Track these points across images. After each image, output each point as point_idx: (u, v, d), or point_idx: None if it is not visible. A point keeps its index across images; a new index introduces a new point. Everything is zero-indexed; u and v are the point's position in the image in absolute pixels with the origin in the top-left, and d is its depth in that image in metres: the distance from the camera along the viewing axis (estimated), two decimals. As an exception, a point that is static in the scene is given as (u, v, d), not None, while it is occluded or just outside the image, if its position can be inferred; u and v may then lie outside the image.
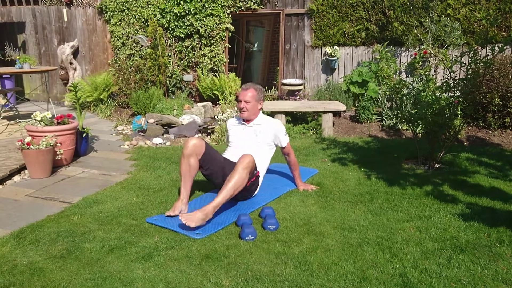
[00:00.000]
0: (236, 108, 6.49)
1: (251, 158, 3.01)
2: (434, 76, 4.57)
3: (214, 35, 7.40)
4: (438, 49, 6.13)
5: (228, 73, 7.56)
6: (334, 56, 6.83)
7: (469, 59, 3.83)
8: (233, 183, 2.91)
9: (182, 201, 3.12)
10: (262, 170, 3.44)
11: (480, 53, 3.87)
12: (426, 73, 4.27)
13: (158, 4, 7.51)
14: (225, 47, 7.51)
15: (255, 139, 3.45)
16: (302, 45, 7.18)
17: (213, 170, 3.24)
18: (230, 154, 3.46)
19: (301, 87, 7.01)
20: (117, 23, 7.93)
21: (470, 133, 5.54)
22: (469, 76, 3.87)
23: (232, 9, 7.30)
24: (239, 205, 3.26)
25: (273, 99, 7.15)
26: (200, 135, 5.78)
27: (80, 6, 8.23)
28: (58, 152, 4.16)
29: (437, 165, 4.22)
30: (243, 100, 3.41)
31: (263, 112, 3.83)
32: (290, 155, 3.59)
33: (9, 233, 2.81)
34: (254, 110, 3.45)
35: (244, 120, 3.53)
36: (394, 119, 5.86)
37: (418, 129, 4.38)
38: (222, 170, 3.18)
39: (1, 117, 6.52)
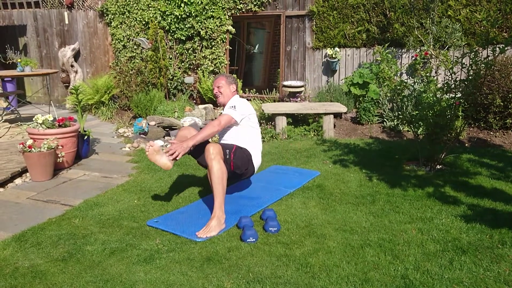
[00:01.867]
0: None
1: (209, 146, 3.00)
2: (435, 77, 4.57)
3: (215, 37, 7.41)
4: (439, 50, 6.13)
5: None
6: (335, 58, 6.83)
7: (470, 60, 3.83)
8: (215, 178, 2.93)
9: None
10: (249, 145, 3.38)
11: (481, 54, 3.86)
12: (427, 74, 4.27)
13: (159, 7, 7.53)
14: (226, 49, 7.52)
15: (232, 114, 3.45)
16: (303, 47, 7.19)
17: (199, 151, 3.31)
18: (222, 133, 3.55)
19: (302, 89, 7.01)
20: (118, 26, 7.95)
21: (472, 134, 5.53)
22: (470, 77, 3.86)
23: (232, 11, 7.31)
24: (240, 207, 3.27)
25: (274, 101, 7.16)
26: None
27: (81, 9, 8.25)
28: (59, 155, 4.16)
29: (438, 167, 4.21)
30: (216, 87, 3.55)
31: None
32: (211, 122, 3.36)
33: (11, 236, 2.82)
34: (227, 93, 3.52)
35: (220, 106, 3.66)
36: (395, 120, 5.86)
37: (419, 131, 4.38)
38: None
39: (3, 120, 6.54)
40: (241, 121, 3.37)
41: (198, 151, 3.32)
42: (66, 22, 8.36)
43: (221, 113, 3.45)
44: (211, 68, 7.52)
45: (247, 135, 3.43)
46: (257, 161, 3.45)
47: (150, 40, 7.15)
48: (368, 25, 6.70)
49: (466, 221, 2.94)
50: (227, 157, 3.16)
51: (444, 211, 3.14)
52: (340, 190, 3.63)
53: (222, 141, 3.46)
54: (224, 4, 7.26)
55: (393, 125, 5.86)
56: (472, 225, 2.86)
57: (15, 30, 8.78)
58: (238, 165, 3.25)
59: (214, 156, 2.95)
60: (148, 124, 5.95)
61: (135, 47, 7.89)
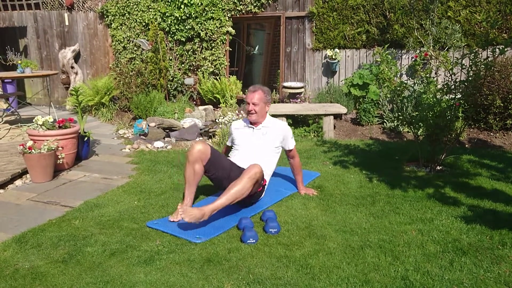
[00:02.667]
0: (237, 111, 6.49)
1: (259, 169, 2.94)
2: (435, 78, 4.57)
3: (215, 38, 7.42)
4: (438, 51, 6.13)
5: (229, 76, 7.57)
6: (335, 59, 6.84)
7: (470, 61, 3.83)
8: (235, 191, 2.88)
9: (186, 205, 3.11)
10: (268, 174, 3.41)
11: (480, 55, 3.86)
12: (427, 75, 4.27)
13: (159, 8, 7.54)
14: (226, 50, 7.53)
15: (263, 142, 3.40)
16: (303, 48, 7.19)
17: (219, 175, 3.19)
18: (238, 158, 3.39)
19: (302, 90, 7.02)
20: (118, 27, 7.96)
21: (472, 135, 5.53)
22: (470, 78, 3.86)
23: (232, 13, 7.32)
24: (240, 208, 3.26)
25: (274, 102, 7.16)
26: (201, 138, 5.78)
27: (81, 10, 8.26)
28: (59, 156, 4.16)
29: (438, 168, 4.21)
30: (251, 103, 3.35)
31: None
32: (295, 158, 3.56)
33: (11, 237, 2.82)
34: (262, 112, 3.40)
35: (251, 123, 3.47)
36: (395, 121, 5.86)
37: (419, 132, 4.38)
38: (228, 176, 3.13)
39: (3, 122, 6.54)
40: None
41: (221, 176, 3.19)
42: (66, 23, 8.37)
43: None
44: (211, 69, 7.52)
45: (274, 161, 3.47)
46: (263, 194, 3.41)
47: (150, 42, 7.16)
48: (368, 26, 6.70)
49: (466, 222, 2.94)
50: (257, 186, 3.07)
51: (444, 212, 3.14)
52: (340, 191, 3.63)
53: (246, 154, 3.36)
54: (224, 6, 7.27)
55: (393, 126, 5.87)
56: (472, 226, 2.86)
57: (15, 32, 8.79)
58: (252, 199, 3.24)
59: (253, 177, 2.91)
60: (148, 125, 5.95)
61: (135, 48, 7.90)
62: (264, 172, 3.29)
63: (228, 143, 3.74)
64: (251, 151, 3.36)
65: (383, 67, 4.24)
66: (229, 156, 3.50)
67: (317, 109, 5.89)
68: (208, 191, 3.65)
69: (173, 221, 2.99)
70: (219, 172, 3.18)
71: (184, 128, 6.00)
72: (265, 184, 3.31)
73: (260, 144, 3.41)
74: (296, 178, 3.62)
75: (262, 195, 3.40)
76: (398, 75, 4.96)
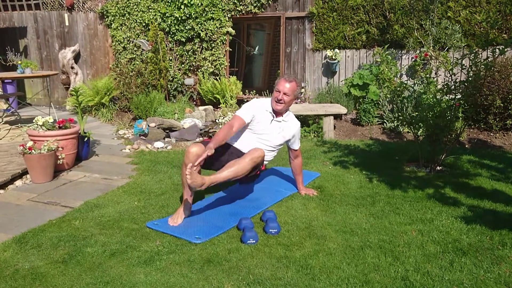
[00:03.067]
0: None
1: (261, 154, 2.98)
2: (435, 79, 4.57)
3: (215, 38, 7.42)
4: (438, 51, 6.13)
5: (229, 77, 7.57)
6: (334, 59, 6.84)
7: (470, 62, 3.83)
8: (235, 169, 2.91)
9: (185, 207, 3.10)
10: (265, 163, 3.43)
11: (480, 55, 3.86)
12: (427, 75, 4.28)
13: (159, 9, 7.54)
14: (226, 50, 7.53)
15: (278, 136, 3.31)
16: (303, 48, 7.20)
17: (215, 167, 3.15)
18: (246, 141, 3.26)
19: (302, 90, 7.02)
20: (118, 28, 7.97)
21: (472, 135, 5.53)
22: (470, 79, 3.86)
23: (232, 13, 7.32)
24: (241, 209, 3.26)
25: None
26: (201, 138, 5.78)
27: (81, 10, 8.27)
28: (59, 157, 4.16)
29: (438, 168, 4.21)
30: (283, 92, 3.18)
31: None
32: (298, 158, 3.57)
33: (11, 238, 2.82)
34: (290, 104, 3.31)
35: (274, 112, 3.29)
36: (395, 121, 5.86)
37: (419, 132, 4.38)
38: (227, 161, 3.07)
39: (3, 122, 6.54)
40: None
41: (217, 165, 3.15)
42: (66, 24, 8.37)
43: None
44: (211, 70, 7.52)
45: (276, 155, 3.50)
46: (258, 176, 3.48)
47: (150, 42, 7.16)
48: (368, 27, 6.71)
49: (466, 222, 2.94)
50: (254, 170, 3.08)
51: (444, 212, 3.14)
52: (340, 191, 3.63)
53: (257, 140, 3.30)
54: (224, 6, 7.27)
55: (393, 126, 5.87)
56: (472, 227, 2.86)
57: (15, 32, 8.79)
58: (248, 180, 3.28)
59: (255, 160, 2.95)
60: (148, 125, 5.95)
61: (135, 48, 7.90)
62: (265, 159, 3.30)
63: (247, 119, 3.22)
64: (262, 140, 3.26)
65: (383, 68, 4.24)
66: (232, 138, 3.28)
67: (317, 109, 5.89)
68: (206, 191, 3.65)
69: (173, 225, 2.97)
70: (215, 166, 3.17)
71: (184, 128, 6.00)
72: (263, 170, 3.36)
73: (274, 137, 3.30)
74: (296, 178, 3.63)
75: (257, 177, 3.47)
76: (398, 76, 4.98)
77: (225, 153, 3.19)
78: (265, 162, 3.32)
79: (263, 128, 3.28)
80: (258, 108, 3.29)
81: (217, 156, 3.05)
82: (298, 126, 3.46)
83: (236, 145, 3.29)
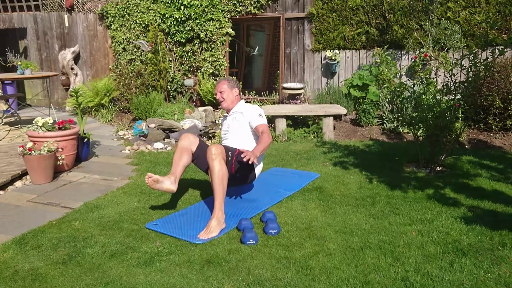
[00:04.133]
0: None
1: (211, 147, 3.01)
2: (435, 79, 4.57)
3: (215, 39, 7.43)
4: (438, 52, 6.14)
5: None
6: (334, 60, 6.84)
7: (470, 62, 3.83)
8: (216, 178, 2.93)
9: (169, 178, 3.14)
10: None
11: (480, 55, 3.87)
12: (427, 76, 4.28)
13: (158, 10, 7.55)
14: (225, 51, 7.53)
15: (235, 126, 3.51)
16: (303, 49, 7.20)
17: (204, 161, 3.25)
18: (224, 144, 3.54)
19: (302, 91, 7.02)
20: (118, 29, 7.97)
21: (472, 136, 5.53)
22: (469, 79, 3.87)
23: (232, 14, 7.33)
24: (240, 210, 3.26)
25: (274, 103, 7.16)
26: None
27: (81, 12, 8.27)
28: (59, 158, 4.16)
29: (438, 168, 4.21)
30: (218, 92, 3.55)
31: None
32: (263, 133, 3.27)
33: (11, 239, 2.82)
34: (230, 97, 3.54)
35: (227, 112, 3.64)
36: (395, 122, 5.86)
37: (419, 132, 4.38)
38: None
39: (3, 123, 6.54)
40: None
41: (200, 156, 3.32)
42: (66, 25, 8.38)
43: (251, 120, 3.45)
44: (211, 71, 7.53)
45: (252, 141, 3.47)
46: (258, 168, 3.48)
47: (150, 43, 7.16)
48: (367, 27, 6.71)
49: (466, 223, 2.94)
50: (229, 159, 3.17)
51: (444, 213, 3.14)
52: (340, 192, 3.63)
53: (225, 144, 3.48)
54: (223, 7, 7.28)
55: (393, 127, 5.87)
56: (472, 227, 2.86)
57: (15, 33, 8.79)
58: (239, 169, 3.26)
59: (215, 157, 2.95)
60: (148, 126, 5.95)
61: (135, 49, 7.90)
62: (249, 148, 3.31)
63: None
64: (229, 136, 3.52)
65: (382, 68, 4.25)
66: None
67: (317, 110, 5.89)
68: (206, 191, 3.65)
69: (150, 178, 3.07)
70: (204, 158, 3.23)
71: (184, 129, 6.00)
72: (238, 153, 3.26)
73: (233, 128, 3.51)
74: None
75: (258, 171, 3.47)
76: (398, 76, 4.98)
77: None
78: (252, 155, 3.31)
79: (225, 127, 3.64)
80: (221, 120, 3.77)
81: (203, 156, 3.26)
82: (249, 107, 3.54)
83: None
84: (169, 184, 3.10)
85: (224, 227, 2.88)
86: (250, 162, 2.95)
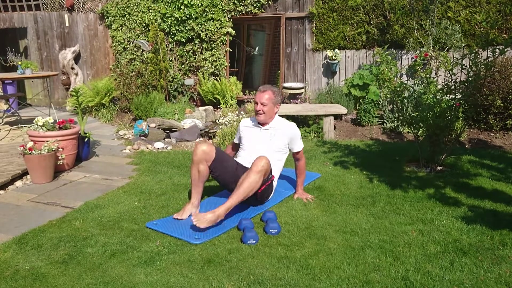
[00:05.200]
0: (237, 112, 6.50)
1: (266, 161, 2.93)
2: (435, 79, 4.56)
3: (215, 39, 7.42)
4: (438, 51, 6.13)
5: (229, 77, 7.57)
6: (335, 60, 6.84)
7: (470, 62, 3.83)
8: (245, 187, 2.89)
9: (193, 204, 3.12)
10: (276, 174, 3.39)
11: (481, 55, 3.86)
12: (427, 75, 4.27)
13: (159, 9, 7.55)
14: (226, 51, 7.53)
15: (270, 143, 3.36)
16: (303, 48, 7.20)
17: (225, 176, 3.19)
18: (243, 158, 3.36)
19: (302, 90, 7.02)
20: (118, 28, 7.97)
21: (472, 135, 5.53)
22: (470, 79, 3.86)
23: (232, 13, 7.33)
24: (241, 209, 3.26)
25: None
26: (201, 139, 5.78)
27: (81, 11, 8.27)
28: (60, 157, 4.16)
29: (439, 168, 4.21)
30: (260, 103, 3.30)
31: None
32: (301, 160, 3.49)
33: (11, 238, 2.82)
34: (271, 113, 3.35)
35: (259, 123, 3.43)
36: (395, 122, 5.86)
37: (419, 132, 4.38)
38: (234, 176, 3.11)
39: (3, 123, 6.54)
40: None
41: (218, 169, 3.18)
42: (67, 24, 8.38)
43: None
44: (211, 70, 7.53)
45: (281, 163, 3.43)
46: (272, 192, 3.41)
47: (150, 42, 7.16)
48: (368, 27, 6.71)
49: (466, 222, 2.94)
50: (265, 178, 3.04)
51: (444, 212, 3.14)
52: (340, 191, 3.63)
53: (252, 154, 3.32)
54: (224, 6, 7.28)
55: (393, 127, 5.87)
56: (472, 227, 2.86)
57: (15, 33, 8.79)
58: (263, 194, 3.20)
59: (261, 169, 2.90)
60: (149, 126, 5.95)
61: (136, 49, 7.90)
62: (275, 174, 3.29)
63: (236, 140, 3.66)
64: (257, 152, 3.27)
65: (383, 68, 4.24)
66: (235, 156, 3.48)
67: (317, 109, 5.89)
68: (206, 192, 3.65)
69: (177, 219, 3.03)
70: (225, 173, 3.18)
71: (184, 129, 6.00)
72: (274, 180, 3.27)
73: (266, 145, 3.35)
74: (297, 180, 3.59)
75: (272, 195, 3.38)
76: (398, 76, 4.97)
77: (231, 172, 3.20)
78: (274, 174, 3.33)
79: (253, 141, 3.40)
80: (244, 126, 3.53)
81: (224, 177, 3.19)
82: (292, 128, 3.42)
83: (241, 160, 3.36)
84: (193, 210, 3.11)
85: (214, 226, 2.83)
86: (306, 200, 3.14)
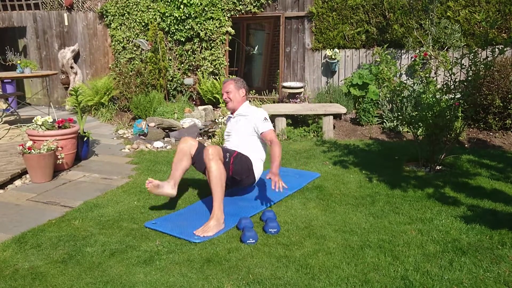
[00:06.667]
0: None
1: (211, 149, 3.01)
2: (435, 78, 4.57)
3: (215, 38, 7.42)
4: (438, 51, 6.13)
5: (229, 77, 7.57)
6: (334, 59, 6.84)
7: (469, 61, 3.83)
8: (212, 177, 2.94)
9: (169, 182, 3.18)
10: (257, 158, 3.44)
11: (480, 55, 3.87)
12: (427, 75, 4.27)
13: (158, 8, 7.54)
14: (225, 50, 7.53)
15: (237, 128, 3.51)
16: (303, 48, 7.20)
17: (201, 163, 3.26)
18: (226, 146, 3.55)
19: (302, 90, 7.02)
20: (118, 27, 7.96)
21: (471, 135, 5.53)
22: (469, 78, 3.87)
23: (232, 13, 7.32)
24: (240, 208, 3.26)
25: (274, 102, 7.16)
26: (201, 138, 5.78)
27: (80, 10, 8.26)
28: (59, 156, 4.16)
29: (438, 167, 4.21)
30: (225, 92, 3.54)
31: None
32: (272, 144, 3.25)
33: (11, 238, 2.82)
34: (237, 98, 3.53)
35: (231, 113, 3.64)
36: (394, 121, 5.86)
37: (419, 132, 4.38)
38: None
39: (3, 122, 6.54)
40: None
41: (199, 159, 3.30)
42: (66, 23, 8.37)
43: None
44: (211, 70, 7.52)
45: (253, 145, 3.47)
46: (258, 171, 3.45)
47: (149, 42, 7.15)
48: (367, 26, 6.71)
49: (466, 222, 2.94)
50: (227, 160, 3.17)
51: (444, 212, 3.14)
52: (340, 191, 3.63)
53: (227, 146, 3.49)
54: (223, 6, 7.27)
55: (392, 126, 5.87)
56: (472, 226, 2.87)
57: (14, 32, 8.78)
58: (237, 171, 3.26)
59: (212, 157, 2.96)
60: (148, 125, 5.95)
61: (135, 48, 7.90)
62: (250, 155, 3.36)
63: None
64: (231, 139, 3.52)
65: (382, 67, 4.25)
66: None
67: (317, 109, 5.89)
68: (206, 191, 3.65)
69: (151, 181, 3.12)
70: (201, 161, 3.23)
71: (183, 128, 6.00)
72: (236, 155, 3.28)
73: (235, 130, 3.52)
74: (271, 161, 3.27)
75: (258, 173, 3.44)
76: (398, 75, 4.96)
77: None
78: (257, 160, 3.42)
79: (228, 129, 3.64)
80: (226, 122, 3.80)
81: (201, 158, 3.24)
82: (254, 111, 3.51)
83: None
84: (169, 188, 3.15)
85: (223, 228, 2.88)
86: (277, 189, 2.98)
